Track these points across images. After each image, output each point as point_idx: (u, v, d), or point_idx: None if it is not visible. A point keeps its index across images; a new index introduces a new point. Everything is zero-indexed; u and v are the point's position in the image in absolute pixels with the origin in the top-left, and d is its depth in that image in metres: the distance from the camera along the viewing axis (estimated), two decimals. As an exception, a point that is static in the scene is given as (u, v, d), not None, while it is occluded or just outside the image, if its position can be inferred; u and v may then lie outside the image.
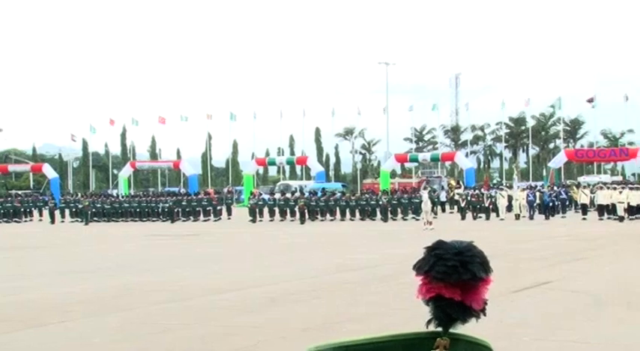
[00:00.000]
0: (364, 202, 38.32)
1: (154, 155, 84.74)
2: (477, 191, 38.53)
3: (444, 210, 42.28)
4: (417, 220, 34.14)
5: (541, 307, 10.19)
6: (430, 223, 28.74)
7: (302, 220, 35.92)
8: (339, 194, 40.25)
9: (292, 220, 37.07)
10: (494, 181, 62.15)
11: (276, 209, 39.01)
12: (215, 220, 39.29)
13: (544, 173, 67.49)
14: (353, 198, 39.24)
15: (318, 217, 37.67)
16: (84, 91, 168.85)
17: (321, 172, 63.73)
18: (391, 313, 10.06)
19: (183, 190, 51.89)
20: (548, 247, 20.04)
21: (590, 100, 62.83)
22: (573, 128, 79.44)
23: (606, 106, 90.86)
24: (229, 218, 40.23)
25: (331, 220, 37.43)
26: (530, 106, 73.37)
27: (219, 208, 40.98)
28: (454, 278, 1.28)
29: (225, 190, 64.74)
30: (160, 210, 41.27)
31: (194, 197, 42.04)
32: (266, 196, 42.71)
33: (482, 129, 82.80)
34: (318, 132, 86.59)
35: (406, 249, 19.89)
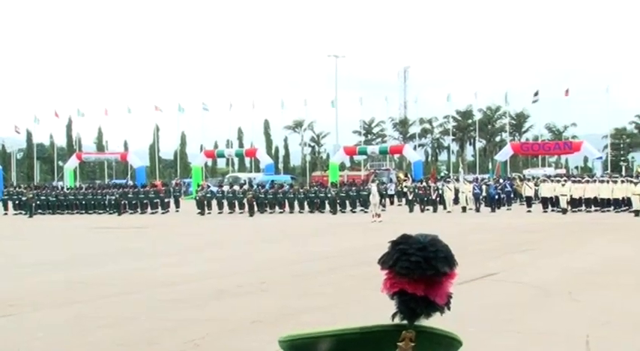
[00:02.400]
0: (313, 195, 38.29)
1: (100, 147, 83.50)
2: (424, 184, 38.89)
3: (392, 203, 42.55)
4: (366, 212, 34.35)
5: (487, 298, 10.36)
6: (379, 216, 28.92)
7: (250, 213, 35.74)
8: (287, 187, 40.17)
9: (241, 213, 36.92)
10: (442, 174, 62.88)
11: (225, 202, 38.77)
12: (162, 213, 38.88)
13: (490, 166, 68.50)
14: (301, 190, 39.15)
15: (267, 209, 37.54)
16: (28, 82, 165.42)
17: (270, 165, 63.58)
18: (342, 306, 10.12)
19: (130, 182, 51.24)
20: (494, 239, 20.37)
21: (536, 94, 63.84)
22: (519, 122, 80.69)
23: (550, 101, 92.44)
24: (177, 211, 39.90)
25: (280, 212, 37.32)
26: (477, 99, 74.40)
27: (166, 200, 40.57)
28: (417, 274, 1.29)
29: (174, 182, 64.19)
30: (106, 202, 40.68)
31: (141, 189, 41.51)
32: (214, 189, 42.42)
33: (430, 122, 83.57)
34: (267, 124, 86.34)
35: (356, 241, 20.03)
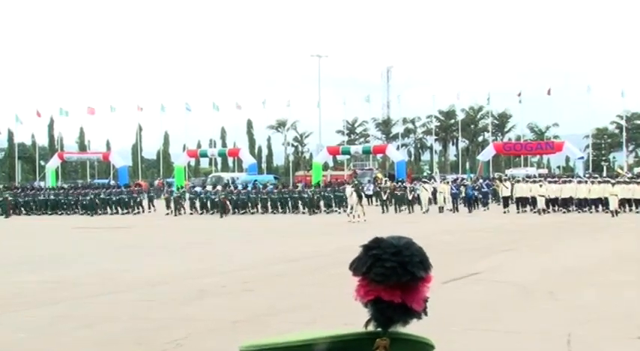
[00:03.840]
0: (287, 196, 37.74)
1: (82, 146, 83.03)
2: (399, 184, 38.74)
3: (370, 203, 42.42)
4: (340, 213, 34.27)
5: (469, 297, 10.40)
6: (359, 216, 28.82)
7: (222, 214, 35.24)
8: (270, 187, 40.00)
9: (212, 213, 36.44)
10: (425, 174, 63.06)
11: (197, 202, 38.15)
12: (135, 214, 38.49)
13: (467, 167, 68.74)
14: (275, 191, 38.44)
15: (249, 210, 36.97)
16: (9, 81, 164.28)
17: (253, 165, 63.50)
18: (322, 306, 10.13)
19: (113, 182, 50.98)
20: (474, 239, 20.44)
21: (519, 95, 64.13)
22: (501, 122, 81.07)
23: (532, 101, 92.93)
24: (149, 211, 39.50)
25: (252, 213, 36.65)
26: (460, 99, 74.71)
27: (139, 200, 40.15)
28: (393, 280, 1.24)
29: (156, 182, 63.94)
30: (79, 203, 40.19)
31: (114, 190, 41.25)
32: (198, 189, 42.19)
33: (413, 122, 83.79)
34: (250, 124, 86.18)
35: (336, 242, 20.04)
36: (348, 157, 68.57)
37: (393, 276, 1.24)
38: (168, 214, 36.57)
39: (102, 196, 40.21)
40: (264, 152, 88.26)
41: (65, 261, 16.33)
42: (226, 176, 59.66)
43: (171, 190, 39.53)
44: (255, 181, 46.76)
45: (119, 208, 39.36)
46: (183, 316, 9.36)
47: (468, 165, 71.03)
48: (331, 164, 73.72)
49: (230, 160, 76.21)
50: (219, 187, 39.36)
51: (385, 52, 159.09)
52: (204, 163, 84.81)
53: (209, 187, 41.01)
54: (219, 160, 76.07)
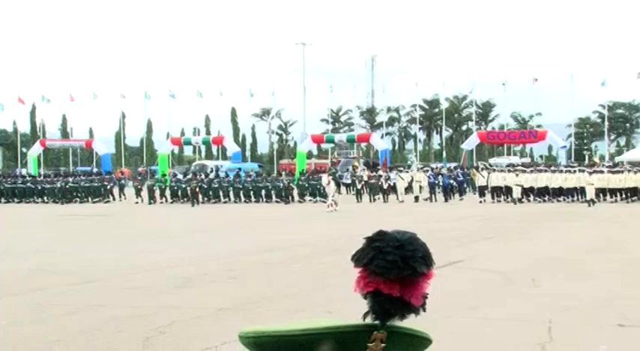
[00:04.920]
0: (260, 185, 37.15)
1: (65, 134, 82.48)
2: (375, 173, 38.56)
3: (348, 192, 42.38)
4: (315, 202, 34.23)
5: (451, 285, 10.46)
6: (335, 204, 28.76)
7: (193, 202, 34.93)
8: (231, 175, 39.54)
9: (182, 202, 35.92)
10: (409, 163, 63.16)
11: (168, 191, 37.52)
12: (105, 202, 38.16)
13: (447, 156, 68.88)
14: (249, 180, 37.88)
15: (220, 199, 36.44)
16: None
17: (237, 153, 63.36)
18: (307, 294, 10.17)
19: (95, 170, 50.74)
20: (455, 228, 20.52)
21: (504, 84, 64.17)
22: (485, 111, 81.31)
23: (516, 90, 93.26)
24: (120, 200, 39.12)
25: (224, 202, 36.10)
26: (445, 88, 74.83)
27: (109, 187, 39.81)
28: (394, 274, 1.24)
29: (140, 169, 63.72)
30: (48, 191, 39.68)
31: (84, 178, 40.89)
32: (180, 176, 41.93)
33: (397, 111, 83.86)
34: (234, 112, 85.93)
35: (318, 231, 20.12)
36: (332, 145, 68.60)
37: (393, 269, 1.24)
38: (137, 202, 36.25)
39: (71, 184, 39.80)
40: (249, 140, 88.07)
41: (46, 249, 16.26)
42: (210, 164, 59.54)
43: (141, 179, 39.17)
44: (239, 169, 46.66)
45: (90, 197, 38.91)
46: (166, 304, 9.36)
47: (445, 154, 71.12)
48: (315, 153, 73.74)
49: (214, 148, 76.00)
50: (189, 176, 39.11)
51: (370, 40, 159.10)
52: (188, 151, 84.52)
53: (180, 176, 40.49)
54: (203, 148, 75.81)
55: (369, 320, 1.28)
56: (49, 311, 9.00)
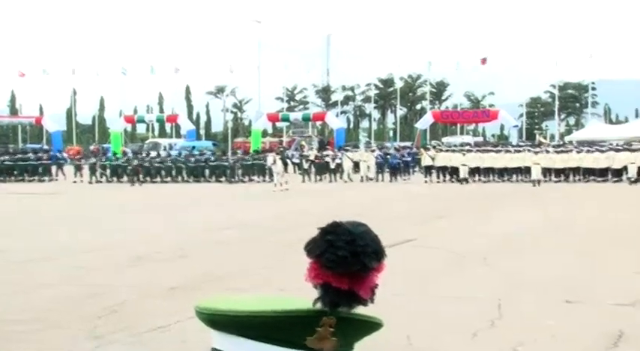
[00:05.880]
0: (203, 163, 36.55)
1: (14, 110, 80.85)
2: (320, 153, 38.42)
3: (295, 171, 42.26)
4: (259, 182, 34.03)
5: (405, 264, 10.55)
6: (283, 184, 28.65)
7: (133, 182, 34.18)
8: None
9: (120, 181, 35.25)
10: (364, 141, 63.36)
11: (108, 169, 36.75)
12: (48, 180, 37.36)
13: (397, 134, 69.20)
14: (192, 159, 37.36)
15: (161, 178, 35.89)
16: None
17: (191, 131, 62.88)
18: (258, 273, 10.17)
19: (46, 147, 49.85)
20: (406, 207, 20.66)
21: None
22: (439, 90, 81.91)
23: (469, 70, 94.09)
24: (56, 179, 38.31)
25: (165, 181, 35.32)
26: (400, 68, 75.14)
27: (47, 167, 38.80)
28: (342, 268, 1.25)
29: (92, 147, 62.79)
30: None
31: (21, 156, 39.99)
32: (130, 155, 41.25)
33: (352, 89, 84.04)
34: (188, 90, 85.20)
35: (268, 210, 20.13)
36: (287, 124, 68.43)
37: (343, 265, 1.24)
38: (75, 181, 35.49)
39: (7, 163, 38.86)
40: (203, 118, 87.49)
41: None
42: (164, 142, 58.97)
43: (80, 158, 38.48)
44: (194, 147, 46.31)
45: (26, 175, 37.99)
46: (118, 283, 9.29)
47: (399, 133, 71.57)
48: (270, 131, 73.51)
49: (168, 126, 75.27)
50: (130, 155, 38.59)
51: (326, 19, 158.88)
52: (141, 128, 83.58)
53: (130, 155, 39.82)
54: (156, 125, 75.01)
55: (319, 306, 1.28)
56: (1, 290, 8.86)
